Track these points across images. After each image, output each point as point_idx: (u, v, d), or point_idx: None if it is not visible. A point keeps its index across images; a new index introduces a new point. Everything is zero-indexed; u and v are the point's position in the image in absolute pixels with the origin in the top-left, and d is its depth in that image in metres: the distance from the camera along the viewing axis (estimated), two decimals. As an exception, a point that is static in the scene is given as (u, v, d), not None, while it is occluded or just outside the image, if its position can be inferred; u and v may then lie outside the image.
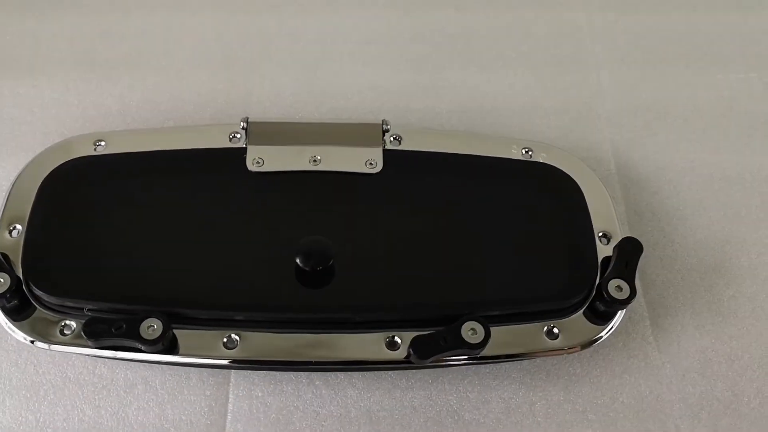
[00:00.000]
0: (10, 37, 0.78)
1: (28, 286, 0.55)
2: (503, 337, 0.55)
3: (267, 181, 0.61)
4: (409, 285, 0.57)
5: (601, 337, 0.56)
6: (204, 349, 0.54)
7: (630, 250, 0.58)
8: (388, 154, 0.63)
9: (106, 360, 0.58)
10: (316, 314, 0.56)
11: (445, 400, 0.58)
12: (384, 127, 0.64)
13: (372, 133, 0.64)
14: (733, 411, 0.59)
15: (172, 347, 0.53)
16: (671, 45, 0.81)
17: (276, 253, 0.57)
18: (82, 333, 0.51)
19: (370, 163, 0.62)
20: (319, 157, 0.62)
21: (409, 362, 0.53)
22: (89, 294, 0.54)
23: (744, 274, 0.65)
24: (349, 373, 0.59)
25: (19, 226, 0.57)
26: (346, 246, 0.57)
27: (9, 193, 0.59)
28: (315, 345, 0.54)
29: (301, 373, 0.59)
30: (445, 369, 0.59)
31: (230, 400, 0.58)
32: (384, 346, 0.54)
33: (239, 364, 0.55)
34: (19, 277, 0.54)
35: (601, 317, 0.57)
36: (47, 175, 0.60)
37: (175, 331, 0.53)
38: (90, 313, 0.54)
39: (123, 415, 0.57)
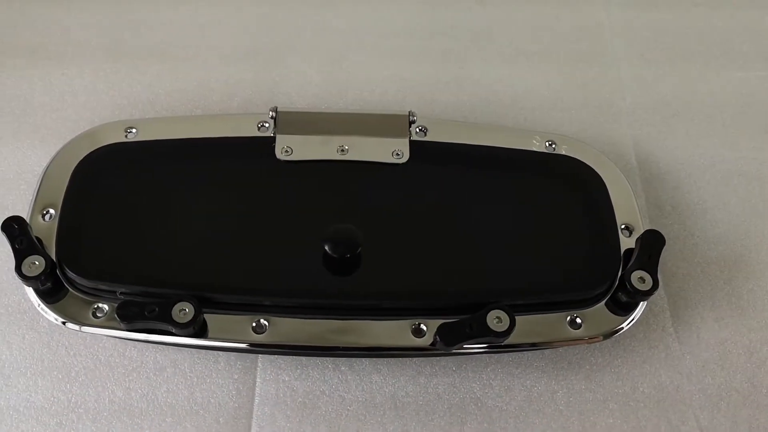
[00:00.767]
0: (40, 27, 0.79)
1: (61, 268, 0.56)
2: (527, 326, 0.55)
3: (295, 170, 0.62)
4: (435, 273, 0.58)
5: (623, 327, 0.57)
6: (233, 333, 0.55)
7: (652, 243, 0.58)
8: (414, 144, 0.64)
9: (136, 343, 0.59)
10: (343, 301, 0.56)
11: (468, 387, 0.59)
12: (410, 118, 0.65)
13: (398, 124, 0.65)
14: (752, 402, 0.60)
15: (202, 331, 0.54)
16: (691, 41, 0.82)
17: (304, 241, 0.57)
18: (116, 315, 0.52)
19: (397, 154, 0.63)
20: (346, 147, 0.63)
21: (435, 349, 0.54)
22: (122, 277, 0.55)
23: (763, 267, 0.66)
24: (374, 359, 0.60)
25: (52, 211, 0.58)
26: (374, 234, 0.57)
27: (42, 179, 0.60)
28: (342, 331, 0.55)
29: (327, 358, 0.60)
30: (468, 357, 0.60)
31: (257, 383, 0.59)
32: (410, 333, 0.55)
33: (267, 348, 0.56)
34: (53, 260, 0.55)
35: (623, 308, 0.58)
36: (80, 161, 0.61)
37: (205, 315, 0.54)
38: (123, 297, 0.55)
39: (153, 397, 0.58)
